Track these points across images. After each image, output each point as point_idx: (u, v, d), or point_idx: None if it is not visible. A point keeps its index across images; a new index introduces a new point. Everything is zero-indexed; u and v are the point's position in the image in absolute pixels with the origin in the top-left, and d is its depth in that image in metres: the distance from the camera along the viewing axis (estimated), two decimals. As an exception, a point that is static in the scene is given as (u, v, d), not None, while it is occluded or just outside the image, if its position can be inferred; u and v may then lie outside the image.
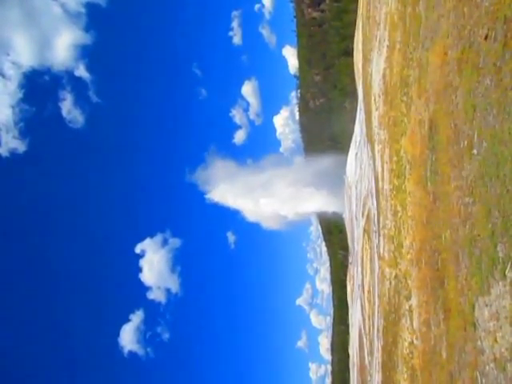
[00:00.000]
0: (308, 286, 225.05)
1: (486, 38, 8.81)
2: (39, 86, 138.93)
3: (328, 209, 72.47)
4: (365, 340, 37.09)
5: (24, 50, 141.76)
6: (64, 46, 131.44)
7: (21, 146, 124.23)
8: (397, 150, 20.33)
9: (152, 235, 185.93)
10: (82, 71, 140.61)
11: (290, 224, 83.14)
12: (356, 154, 47.11)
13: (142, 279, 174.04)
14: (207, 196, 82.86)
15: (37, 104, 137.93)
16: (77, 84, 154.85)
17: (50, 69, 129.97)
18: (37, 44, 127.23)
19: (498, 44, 8.20)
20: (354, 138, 52.73)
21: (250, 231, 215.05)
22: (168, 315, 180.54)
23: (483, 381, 8.49)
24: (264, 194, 75.29)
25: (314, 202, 70.90)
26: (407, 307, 17.39)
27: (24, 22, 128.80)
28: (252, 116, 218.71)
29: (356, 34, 57.64)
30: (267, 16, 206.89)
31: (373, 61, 32.09)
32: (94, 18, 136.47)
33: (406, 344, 17.51)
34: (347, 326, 75.29)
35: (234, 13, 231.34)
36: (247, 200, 77.49)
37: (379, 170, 27.08)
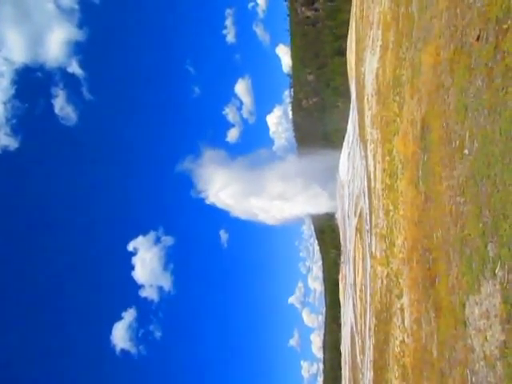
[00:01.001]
0: (300, 284, 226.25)
1: (477, 38, 8.88)
2: (32, 83, 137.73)
3: (320, 208, 72.45)
4: (357, 338, 37.28)
5: (16, 46, 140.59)
6: (57, 42, 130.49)
7: (13, 143, 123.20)
8: (389, 150, 20.43)
9: (145, 233, 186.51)
10: (74, 68, 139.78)
11: (284, 221, 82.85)
12: (349, 153, 47.25)
13: (135, 277, 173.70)
14: (196, 192, 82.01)
15: (29, 101, 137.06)
16: (69, 81, 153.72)
17: (42, 65, 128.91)
18: (29, 40, 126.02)
19: (489, 45, 8.27)
20: (346, 137, 52.90)
21: (242, 229, 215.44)
22: (160, 313, 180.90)
23: (473, 379, 8.57)
24: (256, 193, 75.03)
25: (306, 203, 70.85)
26: (399, 306, 17.50)
27: (17, 17, 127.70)
28: (245, 114, 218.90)
29: (349, 33, 57.78)
30: (261, 14, 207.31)
31: (366, 60, 32.19)
32: (87, 15, 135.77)
33: (398, 342, 17.62)
34: (339, 324, 75.64)
35: (228, 11, 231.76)
36: (240, 198, 77.16)
37: (371, 169, 27.19)
